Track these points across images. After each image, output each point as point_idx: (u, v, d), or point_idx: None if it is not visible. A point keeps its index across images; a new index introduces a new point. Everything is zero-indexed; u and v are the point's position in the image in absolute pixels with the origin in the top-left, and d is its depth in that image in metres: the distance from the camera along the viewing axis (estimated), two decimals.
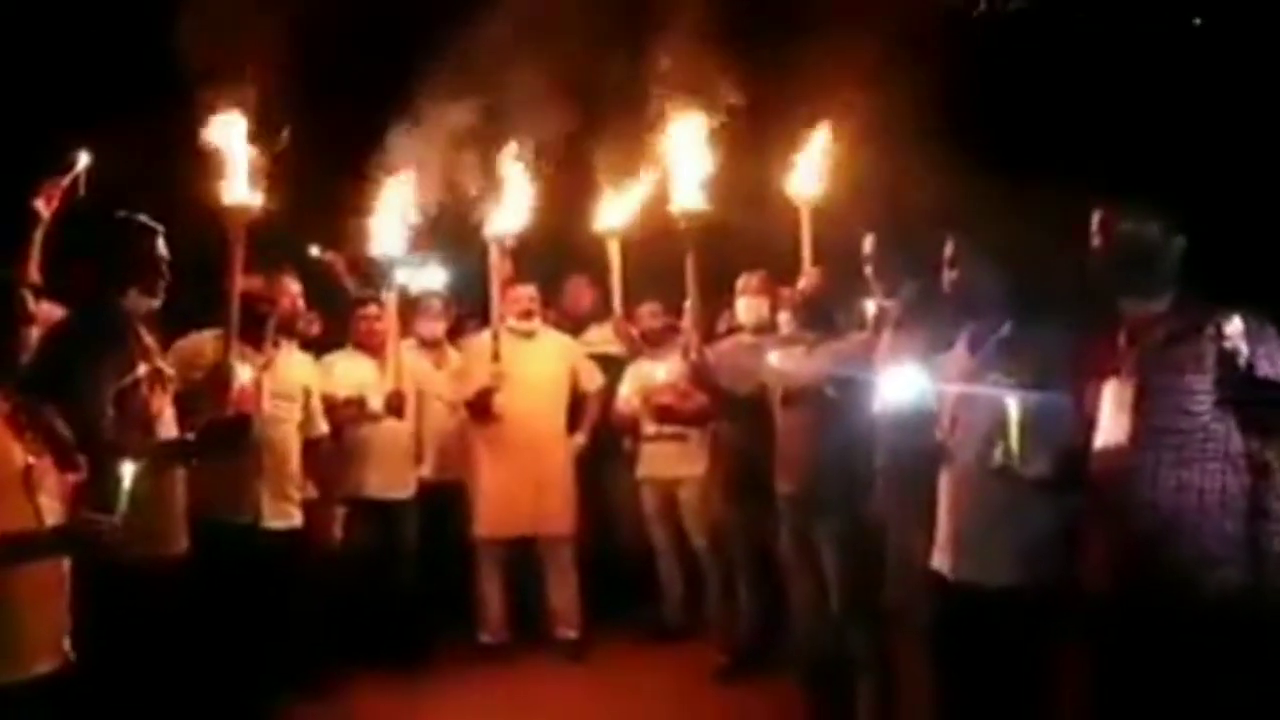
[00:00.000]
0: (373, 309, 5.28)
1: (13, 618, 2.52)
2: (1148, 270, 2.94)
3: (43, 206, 4.13)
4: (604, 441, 5.80)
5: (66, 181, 4.20)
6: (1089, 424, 2.98)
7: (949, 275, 3.46)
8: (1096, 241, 3.01)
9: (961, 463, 3.34)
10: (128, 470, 2.55)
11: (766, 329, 4.97)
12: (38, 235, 4.10)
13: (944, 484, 3.42)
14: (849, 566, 4.13)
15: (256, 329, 4.13)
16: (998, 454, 3.00)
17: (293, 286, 4.71)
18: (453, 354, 5.68)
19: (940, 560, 3.41)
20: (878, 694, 4.07)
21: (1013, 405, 2.94)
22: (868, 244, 4.14)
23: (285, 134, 3.68)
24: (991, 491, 3.20)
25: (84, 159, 4.25)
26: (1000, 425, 2.99)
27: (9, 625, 2.52)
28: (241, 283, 4.01)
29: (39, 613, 2.58)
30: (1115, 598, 2.89)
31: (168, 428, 3.37)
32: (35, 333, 2.73)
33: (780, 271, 4.89)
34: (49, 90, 5.08)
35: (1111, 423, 2.92)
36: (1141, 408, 2.86)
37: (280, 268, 4.59)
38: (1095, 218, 3.02)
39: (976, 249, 3.43)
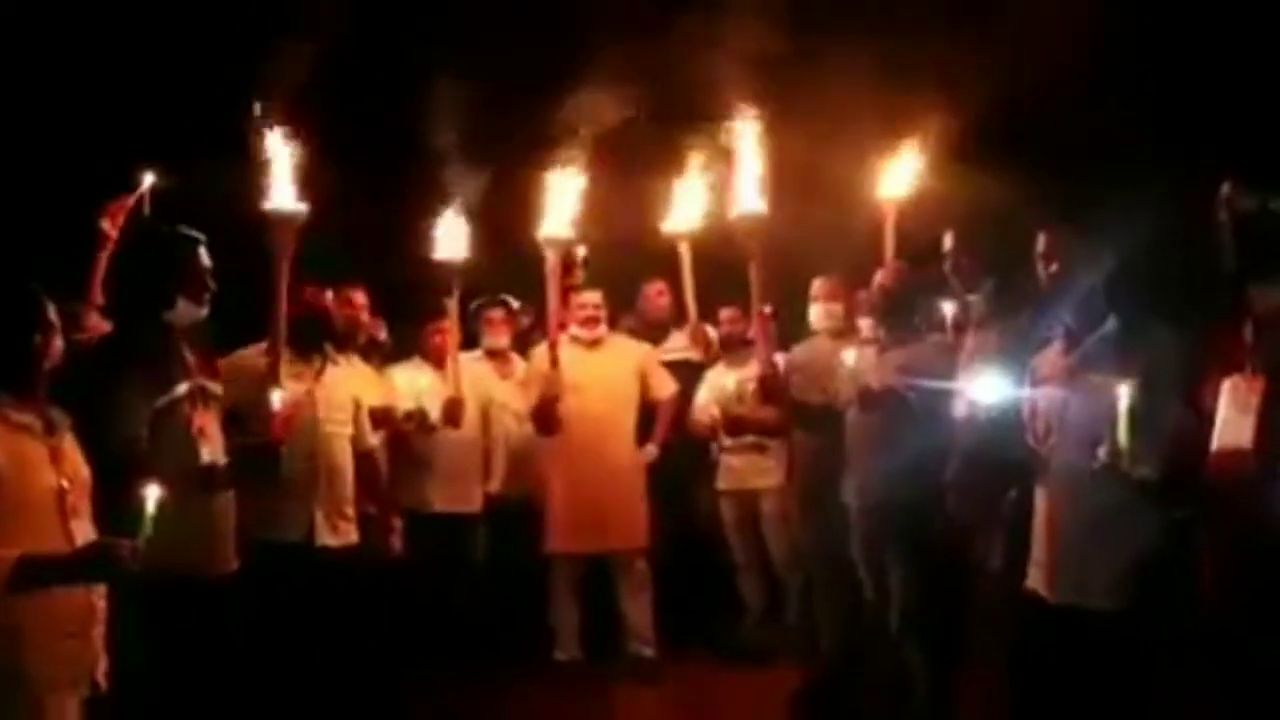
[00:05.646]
0: (446, 322, 5.16)
1: (25, 649, 2.42)
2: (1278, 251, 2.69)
3: (109, 227, 4.11)
4: (682, 452, 5.61)
5: (131, 201, 4.18)
6: (1206, 424, 2.72)
7: (1046, 269, 3.25)
8: (1221, 217, 2.73)
9: (1058, 472, 3.13)
10: (151, 495, 2.45)
11: (844, 334, 4.75)
12: (104, 256, 4.07)
13: (1039, 496, 3.21)
14: (912, 581, 3.95)
15: (311, 342, 4.06)
16: (1102, 452, 2.77)
17: (358, 298, 4.65)
18: (519, 364, 5.57)
19: (1036, 579, 3.18)
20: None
21: (1123, 396, 2.70)
22: (948, 240, 3.94)
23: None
24: (1092, 502, 2.99)
25: (148, 179, 4.23)
26: (1105, 422, 2.76)
27: (21, 657, 2.42)
28: (307, 294, 3.95)
29: (60, 645, 2.48)
30: (1234, 623, 2.62)
31: (213, 446, 3.29)
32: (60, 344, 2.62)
33: (862, 274, 4.68)
34: (108, 112, 5.09)
35: (1232, 424, 2.67)
36: (1268, 408, 2.61)
37: (347, 280, 4.54)
38: (1222, 192, 2.75)
39: (1075, 240, 3.21)
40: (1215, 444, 2.69)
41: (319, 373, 4.08)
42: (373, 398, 4.47)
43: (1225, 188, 2.77)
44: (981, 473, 3.45)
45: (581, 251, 5.59)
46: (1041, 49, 4.28)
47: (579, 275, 5.55)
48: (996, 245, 3.85)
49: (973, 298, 4.01)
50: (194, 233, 3.33)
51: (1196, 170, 3.22)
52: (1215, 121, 4.69)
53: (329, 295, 4.18)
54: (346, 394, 4.16)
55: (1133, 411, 2.69)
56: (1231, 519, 2.66)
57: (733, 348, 5.46)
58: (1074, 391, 3.07)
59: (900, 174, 4.43)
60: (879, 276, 4.27)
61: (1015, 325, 3.54)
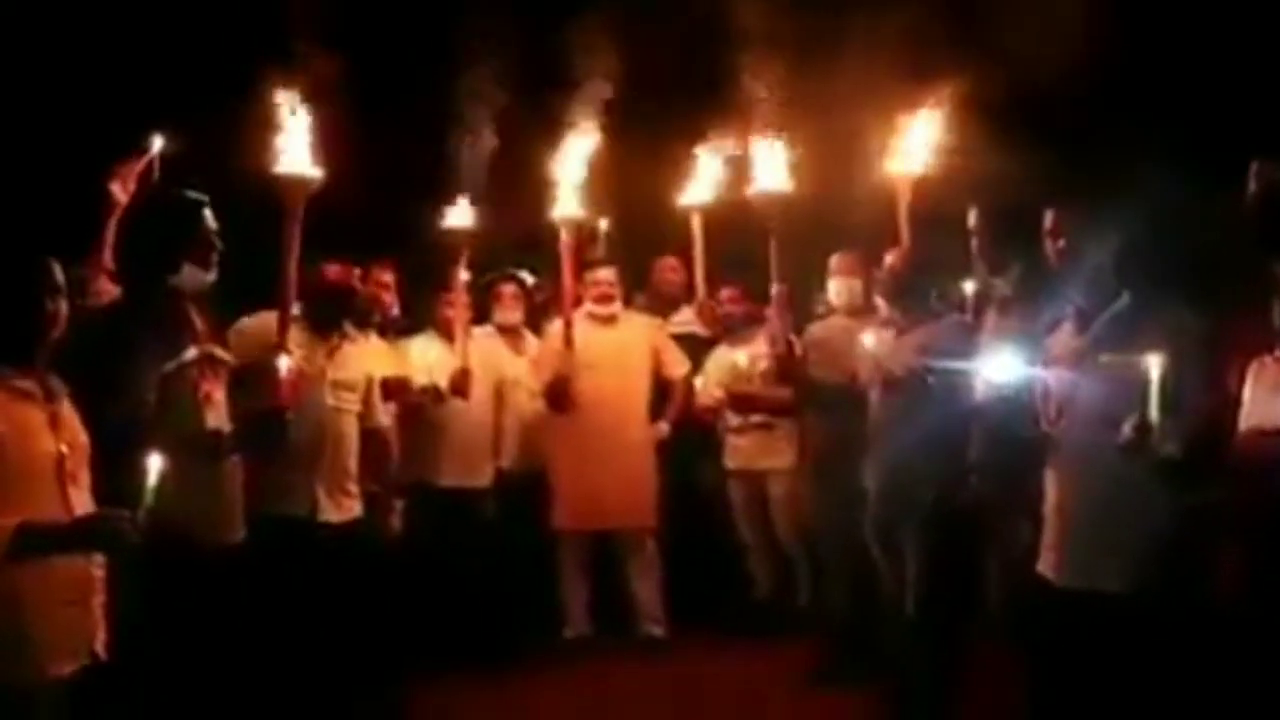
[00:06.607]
0: (455, 294, 5.12)
1: (25, 618, 2.39)
2: None
3: (118, 191, 4.07)
4: (691, 431, 5.57)
5: (141, 165, 4.13)
6: (1233, 407, 2.65)
7: (1054, 246, 3.24)
8: (1251, 188, 2.67)
9: (1069, 454, 3.07)
10: (154, 465, 2.41)
11: (861, 311, 4.68)
12: (113, 221, 4.03)
13: (1050, 479, 3.15)
14: (929, 564, 3.89)
15: (330, 319, 4.01)
16: (1127, 428, 2.67)
17: (385, 277, 4.63)
18: (532, 340, 5.54)
19: (1046, 563, 3.12)
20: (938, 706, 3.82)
21: (1154, 368, 2.60)
22: (973, 218, 3.87)
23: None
24: (1103, 484, 2.92)
25: (157, 142, 4.18)
26: (1120, 402, 2.68)
27: (20, 626, 2.39)
28: (332, 272, 3.96)
29: (59, 614, 2.45)
30: (1259, 608, 2.56)
31: (219, 413, 3.25)
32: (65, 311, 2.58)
33: (880, 251, 4.62)
34: (118, 75, 5.04)
35: (1261, 406, 2.61)
36: None
37: (377, 257, 4.53)
38: (1252, 169, 2.68)
39: (1082, 217, 3.18)
40: (1243, 425, 2.63)
41: (334, 350, 4.02)
42: (386, 371, 4.42)
43: (1256, 162, 2.71)
44: (1006, 454, 3.40)
45: (603, 225, 5.56)
46: (1061, 25, 4.22)
47: (595, 250, 5.52)
48: (1024, 228, 3.79)
49: (998, 280, 3.96)
50: (198, 195, 3.28)
51: (1216, 148, 3.16)
52: (1237, 100, 4.63)
53: (357, 274, 4.13)
54: (359, 371, 4.11)
55: (1164, 383, 2.60)
56: (1260, 502, 2.59)
57: (733, 327, 5.42)
58: (1085, 372, 3.01)
59: (914, 150, 4.36)
60: (888, 258, 4.21)
61: (1038, 308, 3.49)
